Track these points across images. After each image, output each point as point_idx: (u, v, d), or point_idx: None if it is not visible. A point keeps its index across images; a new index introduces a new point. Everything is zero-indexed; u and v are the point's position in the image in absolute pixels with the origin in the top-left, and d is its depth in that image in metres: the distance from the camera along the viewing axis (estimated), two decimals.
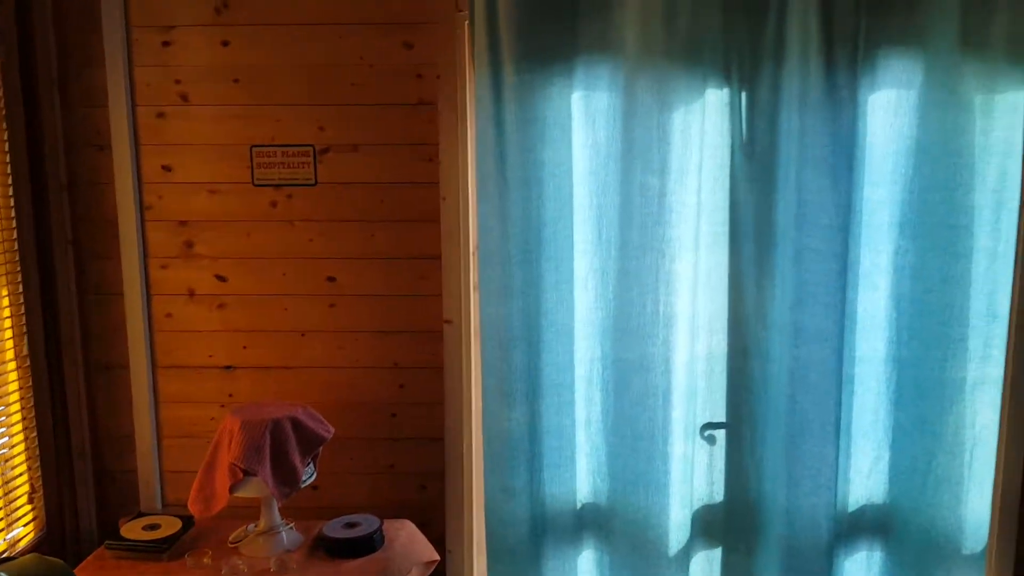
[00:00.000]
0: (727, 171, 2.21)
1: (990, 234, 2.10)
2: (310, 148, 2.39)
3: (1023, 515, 2.25)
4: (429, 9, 2.29)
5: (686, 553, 2.31)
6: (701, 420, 2.32)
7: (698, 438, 2.32)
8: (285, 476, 2.15)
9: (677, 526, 2.28)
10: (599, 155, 2.22)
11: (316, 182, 2.40)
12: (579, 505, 2.38)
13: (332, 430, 2.28)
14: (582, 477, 2.37)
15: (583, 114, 2.22)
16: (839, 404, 2.20)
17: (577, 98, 2.20)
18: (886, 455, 2.26)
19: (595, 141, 2.22)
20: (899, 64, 2.09)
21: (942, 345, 2.16)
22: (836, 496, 2.23)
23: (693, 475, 2.31)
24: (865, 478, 2.28)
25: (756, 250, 2.21)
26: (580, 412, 2.34)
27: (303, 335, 2.46)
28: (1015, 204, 2.09)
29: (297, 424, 2.20)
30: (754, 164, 2.18)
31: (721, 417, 2.32)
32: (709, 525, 2.36)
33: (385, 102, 2.34)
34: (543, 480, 2.32)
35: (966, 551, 2.24)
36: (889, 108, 2.12)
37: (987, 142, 2.06)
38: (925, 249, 2.14)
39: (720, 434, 2.33)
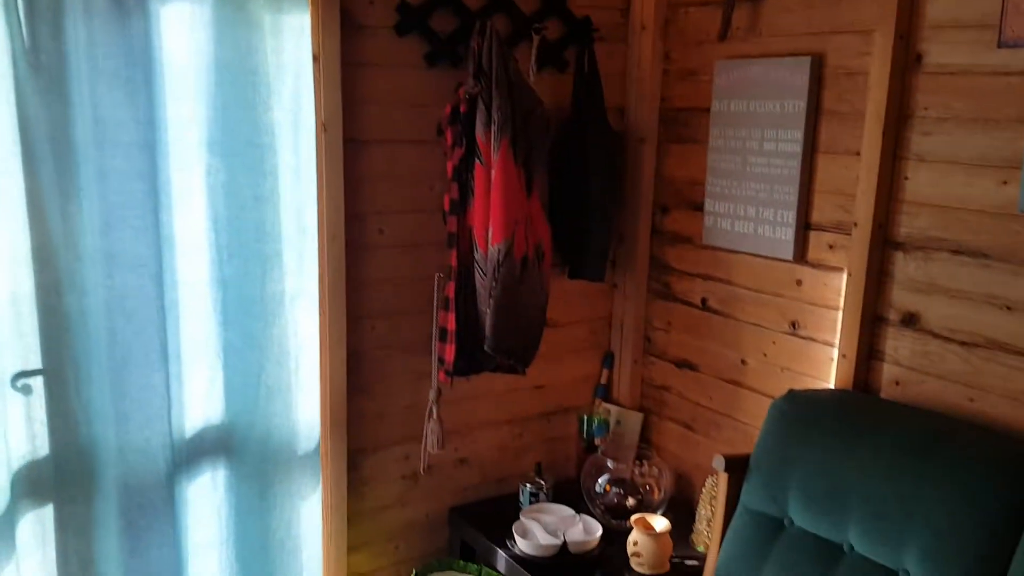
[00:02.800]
0: (10, 83, 1.92)
1: (292, 152, 2.22)
2: None
3: (350, 411, 2.47)
4: None
5: (10, 519, 2.05)
6: (13, 370, 2.04)
7: (10, 390, 2.05)
8: None
9: None
10: None
11: None
12: None
13: None
14: None
15: None
16: (164, 331, 2.13)
17: None
18: (220, 375, 2.27)
19: None
20: None
21: (260, 262, 2.23)
22: (171, 425, 2.18)
23: (7, 433, 2.04)
24: (203, 401, 2.27)
25: (56, 172, 1.98)
26: None
27: None
28: (311, 123, 2.22)
29: None
30: (42, 76, 1.93)
31: (37, 363, 2.07)
32: (36, 483, 2.10)
33: None
34: None
35: (301, 452, 2.40)
36: (184, 22, 2.05)
37: (280, 61, 2.15)
38: (235, 168, 2.16)
39: (38, 382, 2.09)
